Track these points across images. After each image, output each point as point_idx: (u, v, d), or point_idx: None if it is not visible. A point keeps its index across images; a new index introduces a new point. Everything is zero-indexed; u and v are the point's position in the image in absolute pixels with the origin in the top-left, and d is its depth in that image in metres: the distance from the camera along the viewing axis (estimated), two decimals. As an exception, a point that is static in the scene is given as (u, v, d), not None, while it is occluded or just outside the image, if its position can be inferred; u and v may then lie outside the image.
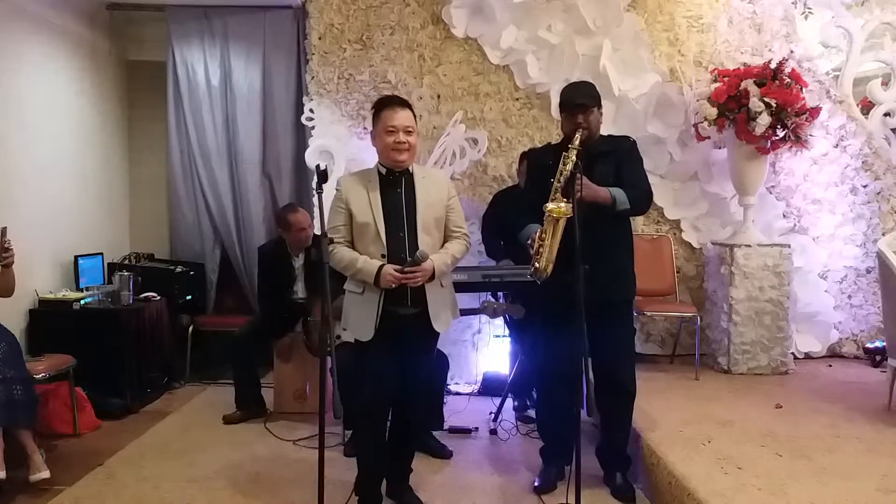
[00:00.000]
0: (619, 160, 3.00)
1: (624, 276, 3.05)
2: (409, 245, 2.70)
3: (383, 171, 2.79)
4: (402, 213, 2.74)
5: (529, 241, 2.87)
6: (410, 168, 2.80)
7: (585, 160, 2.79)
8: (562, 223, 2.73)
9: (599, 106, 3.00)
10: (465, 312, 3.79)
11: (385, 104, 2.77)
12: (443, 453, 3.55)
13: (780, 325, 4.47)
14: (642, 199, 2.99)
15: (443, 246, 2.82)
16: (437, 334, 2.87)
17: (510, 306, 3.71)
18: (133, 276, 4.62)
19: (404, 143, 2.70)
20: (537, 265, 2.80)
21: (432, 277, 2.73)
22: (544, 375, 3.21)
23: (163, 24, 5.24)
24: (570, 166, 2.75)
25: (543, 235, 2.78)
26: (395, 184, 2.77)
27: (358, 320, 2.74)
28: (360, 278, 2.69)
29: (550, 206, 2.73)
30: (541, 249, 2.78)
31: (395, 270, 2.63)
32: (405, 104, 2.78)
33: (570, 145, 2.80)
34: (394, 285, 2.64)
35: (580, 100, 2.94)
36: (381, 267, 2.65)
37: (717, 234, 4.90)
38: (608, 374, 2.93)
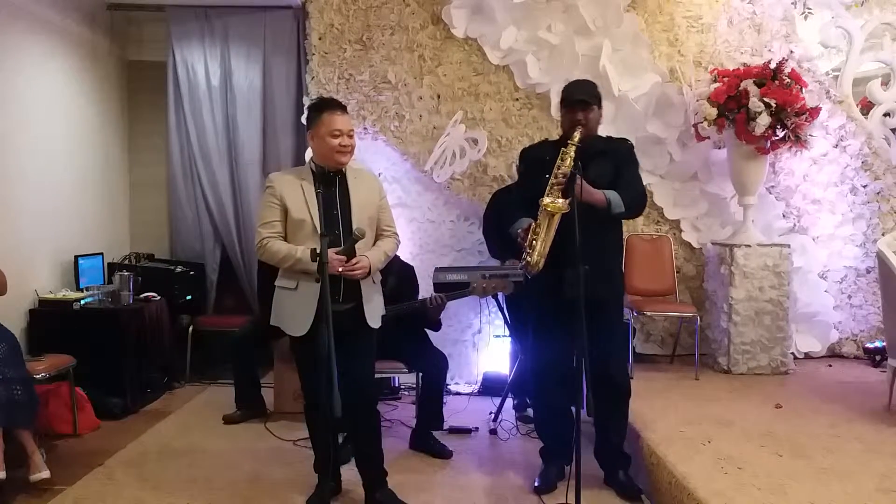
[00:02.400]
0: (616, 162, 3.00)
1: (610, 275, 3.05)
2: (344, 243, 2.73)
3: (317, 169, 2.83)
4: (336, 211, 2.80)
5: (521, 232, 2.87)
6: (343, 168, 2.86)
7: (582, 158, 2.80)
8: (556, 218, 2.74)
9: (600, 105, 3.01)
10: (456, 297, 3.79)
11: (326, 107, 2.80)
12: (443, 453, 3.56)
13: (779, 325, 4.47)
14: (637, 203, 3.01)
15: (374, 244, 2.88)
16: (374, 331, 2.88)
17: (499, 283, 3.69)
18: (133, 276, 4.62)
19: (348, 145, 2.78)
20: (528, 259, 2.81)
21: (368, 273, 2.79)
22: (540, 376, 3.21)
23: (163, 24, 5.25)
24: (568, 161, 2.75)
25: (537, 229, 2.78)
26: (329, 182, 2.83)
27: (292, 315, 2.77)
28: (300, 268, 2.70)
29: (546, 200, 2.73)
30: (533, 243, 2.79)
31: (337, 253, 2.65)
32: (345, 108, 2.86)
33: (569, 141, 2.80)
34: (339, 270, 2.65)
35: (581, 96, 2.95)
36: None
37: (717, 234, 4.90)
38: (601, 373, 2.93)
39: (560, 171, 2.77)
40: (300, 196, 2.76)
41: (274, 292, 2.86)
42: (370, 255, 2.78)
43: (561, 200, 2.69)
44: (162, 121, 5.37)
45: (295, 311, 2.77)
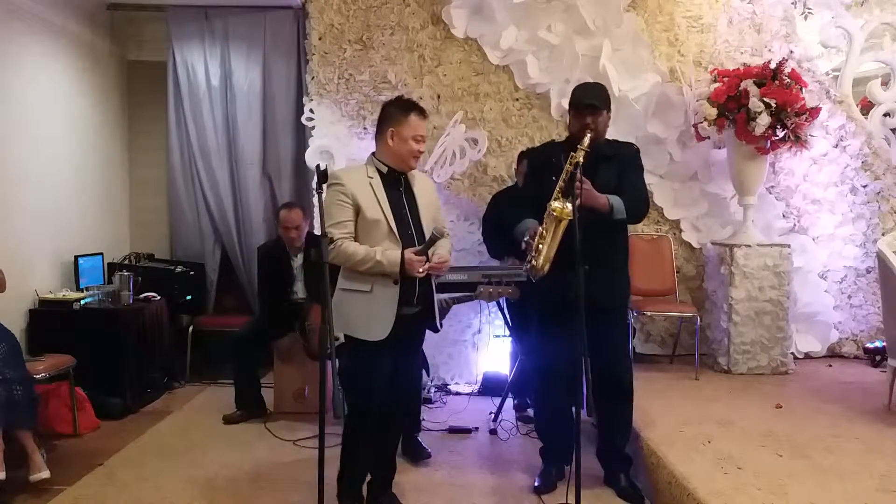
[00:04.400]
0: (621, 166, 3.00)
1: (620, 281, 3.07)
2: (417, 243, 2.68)
3: (384, 169, 2.74)
4: (405, 211, 2.73)
5: (527, 238, 2.87)
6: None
7: (590, 162, 2.80)
8: (563, 224, 2.74)
9: (609, 109, 3.00)
10: (461, 301, 3.79)
11: (413, 109, 2.73)
12: (421, 455, 3.47)
13: (779, 325, 4.47)
14: (639, 209, 3.01)
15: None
16: (424, 333, 2.87)
17: (505, 289, 3.69)
18: (133, 276, 4.62)
19: (422, 152, 2.77)
20: (534, 263, 2.80)
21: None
22: (543, 376, 3.21)
23: (163, 24, 5.25)
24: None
25: (544, 233, 2.78)
26: (396, 183, 2.75)
27: (366, 320, 2.63)
28: (379, 270, 2.59)
29: (555, 204, 2.74)
30: (539, 247, 2.79)
31: (416, 254, 2.59)
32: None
33: (578, 146, 2.80)
34: (420, 271, 2.60)
35: (590, 101, 2.93)
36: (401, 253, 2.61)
37: (717, 234, 4.91)
38: (607, 377, 2.93)
39: (567, 174, 2.77)
40: (372, 195, 2.65)
41: (334, 295, 2.70)
42: (443, 254, 2.74)
43: (569, 206, 2.69)
44: (162, 121, 5.37)
45: (372, 315, 2.64)
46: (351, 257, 2.59)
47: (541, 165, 3.09)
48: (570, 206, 2.68)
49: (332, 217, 2.61)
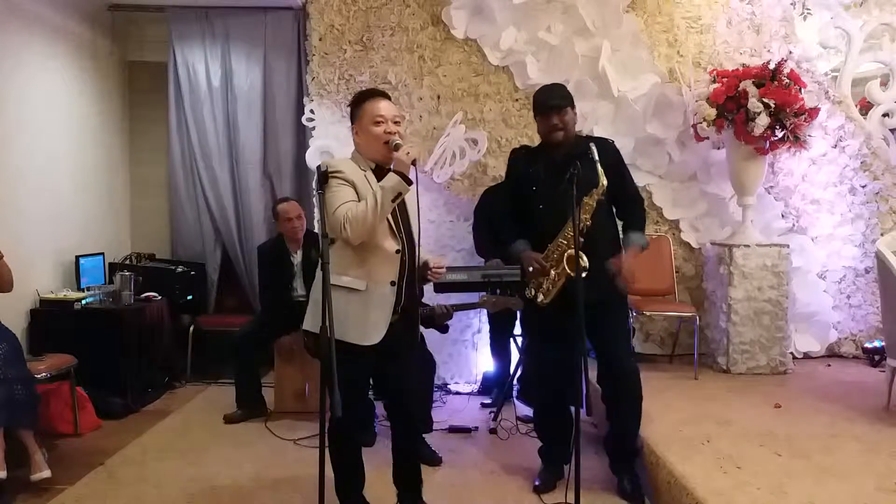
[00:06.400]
0: (606, 161, 2.95)
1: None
2: (406, 243, 2.58)
3: (372, 165, 2.59)
4: (396, 210, 2.57)
5: (532, 270, 2.92)
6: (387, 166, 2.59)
7: (564, 161, 2.81)
8: (571, 266, 2.79)
9: (573, 105, 3.04)
10: (465, 307, 3.81)
11: (366, 96, 2.59)
12: (432, 460, 3.45)
13: (778, 324, 4.48)
14: (643, 216, 3.14)
15: None
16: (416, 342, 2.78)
17: (509, 299, 3.71)
18: (134, 275, 4.64)
19: (395, 133, 2.53)
20: (541, 300, 2.89)
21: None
22: (543, 376, 3.22)
23: (164, 24, 5.26)
24: (589, 214, 2.83)
25: (556, 279, 2.85)
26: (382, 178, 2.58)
27: (359, 322, 2.47)
28: (389, 199, 2.41)
29: (571, 253, 2.77)
30: (550, 288, 2.87)
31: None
32: (387, 95, 2.63)
33: (594, 190, 2.83)
34: (402, 145, 2.45)
35: (554, 101, 2.98)
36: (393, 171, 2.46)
37: (716, 234, 4.91)
38: (611, 362, 2.97)
39: (584, 224, 2.83)
40: (368, 188, 2.48)
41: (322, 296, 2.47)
42: (440, 260, 2.70)
43: (583, 261, 2.72)
44: (162, 121, 5.38)
45: (365, 316, 2.47)
46: (362, 215, 2.40)
47: (519, 177, 3.14)
48: (583, 261, 2.71)
49: (339, 199, 2.44)
